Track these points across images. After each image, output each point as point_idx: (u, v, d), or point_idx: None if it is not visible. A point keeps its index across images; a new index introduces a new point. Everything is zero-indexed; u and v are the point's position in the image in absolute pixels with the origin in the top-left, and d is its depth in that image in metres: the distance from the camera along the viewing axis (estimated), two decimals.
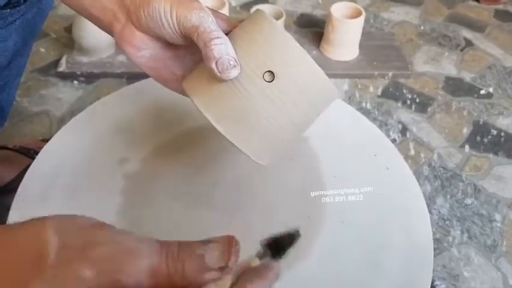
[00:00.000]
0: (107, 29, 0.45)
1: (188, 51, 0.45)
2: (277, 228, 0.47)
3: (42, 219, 0.26)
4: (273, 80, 0.38)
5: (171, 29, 0.40)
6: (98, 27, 0.46)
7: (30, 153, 0.76)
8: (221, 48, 0.38)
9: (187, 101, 0.43)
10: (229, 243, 0.29)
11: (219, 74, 0.38)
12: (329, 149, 0.55)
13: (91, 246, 0.26)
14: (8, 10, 0.53)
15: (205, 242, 0.28)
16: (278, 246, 0.33)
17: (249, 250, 0.46)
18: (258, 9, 0.41)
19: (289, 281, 0.44)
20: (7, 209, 0.49)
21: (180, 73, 0.46)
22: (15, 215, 0.49)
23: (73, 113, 0.95)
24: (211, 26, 0.39)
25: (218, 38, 0.38)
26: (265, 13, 0.40)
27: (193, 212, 0.50)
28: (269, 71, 0.38)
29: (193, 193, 0.52)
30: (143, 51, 0.44)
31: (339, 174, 0.53)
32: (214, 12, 0.43)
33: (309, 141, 0.56)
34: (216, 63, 0.38)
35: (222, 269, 0.27)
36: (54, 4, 0.65)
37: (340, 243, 0.47)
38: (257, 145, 0.40)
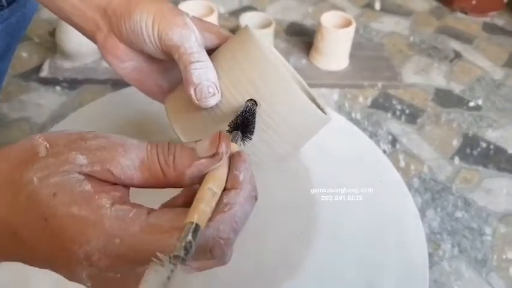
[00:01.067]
0: (90, 37, 0.42)
1: (174, 64, 0.42)
2: (269, 243, 0.45)
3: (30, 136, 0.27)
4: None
5: (153, 45, 0.38)
6: (82, 34, 0.43)
7: None
8: (200, 73, 0.35)
9: None
10: (218, 135, 0.28)
11: (196, 102, 0.36)
12: (321, 162, 0.54)
13: (81, 140, 0.26)
14: None
15: (195, 141, 0.28)
16: (244, 123, 0.33)
17: (242, 263, 0.44)
18: (246, 27, 0.38)
19: None
20: None
21: (166, 85, 0.44)
22: None
23: (54, 120, 0.91)
24: (192, 47, 0.36)
25: (198, 61, 0.35)
26: (254, 33, 0.37)
27: None
28: (252, 99, 0.35)
29: None
30: (127, 62, 0.41)
31: (332, 188, 0.51)
32: (204, 23, 0.40)
33: (301, 154, 0.54)
34: (195, 89, 0.35)
35: (213, 156, 0.27)
36: (38, 8, 0.62)
37: (333, 261, 0.45)
38: None
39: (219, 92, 0.36)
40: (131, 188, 0.28)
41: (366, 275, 0.44)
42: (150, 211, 0.25)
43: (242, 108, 0.35)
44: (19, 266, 0.44)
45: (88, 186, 0.24)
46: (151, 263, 0.21)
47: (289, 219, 0.47)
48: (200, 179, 0.27)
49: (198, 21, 0.40)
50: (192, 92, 0.36)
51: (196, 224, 0.23)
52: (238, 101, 0.36)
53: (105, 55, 0.41)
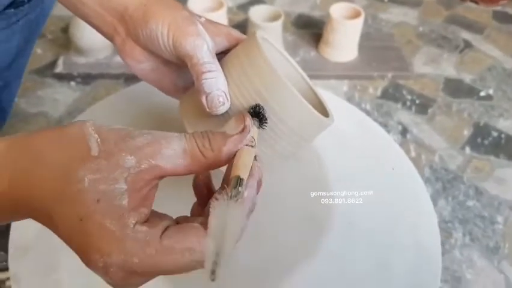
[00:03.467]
0: (109, 38, 0.44)
1: None
2: (284, 228, 0.47)
3: (81, 121, 0.29)
4: None
5: (167, 51, 0.40)
6: (101, 35, 0.45)
7: None
8: (211, 83, 0.38)
9: None
10: (242, 114, 0.33)
11: (207, 109, 0.38)
12: (333, 150, 0.55)
13: (128, 138, 0.28)
14: (12, 10, 0.53)
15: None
16: (259, 114, 0.37)
17: (257, 249, 0.45)
18: (254, 35, 0.40)
19: (296, 278, 0.43)
20: None
21: (181, 84, 0.46)
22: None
23: (70, 114, 0.94)
24: (204, 57, 0.38)
25: (209, 71, 0.38)
26: (260, 44, 0.39)
27: None
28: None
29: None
30: (144, 64, 0.43)
31: (345, 175, 0.52)
32: (215, 27, 0.42)
33: (314, 143, 0.55)
34: (206, 97, 0.38)
35: (242, 131, 0.31)
36: (54, 4, 0.64)
37: (347, 243, 0.46)
38: None
39: (228, 101, 0.38)
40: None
41: (380, 259, 0.46)
42: (164, 230, 0.28)
43: (253, 105, 0.38)
44: (50, 250, 0.45)
45: (125, 201, 0.27)
46: (212, 201, 0.27)
47: (304, 204, 0.49)
48: (234, 153, 0.31)
49: (210, 25, 0.42)
50: (203, 100, 0.38)
51: (241, 178, 0.29)
52: (245, 108, 0.39)
53: (123, 57, 0.43)
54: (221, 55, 0.42)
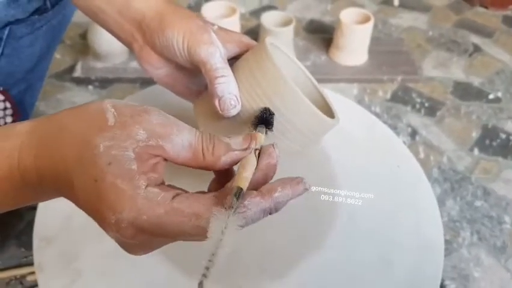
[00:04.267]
0: (127, 45, 0.48)
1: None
2: (289, 222, 0.49)
3: (99, 100, 0.32)
4: None
5: (183, 58, 0.43)
6: (121, 42, 0.48)
7: None
8: (224, 88, 0.40)
9: None
10: (250, 135, 0.34)
11: (220, 112, 0.41)
12: (340, 148, 0.57)
13: (144, 113, 0.31)
14: (36, 16, 0.56)
15: (228, 136, 0.34)
16: (267, 120, 0.39)
17: (263, 241, 0.47)
18: (263, 40, 0.43)
19: (299, 271, 0.45)
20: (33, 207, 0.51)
21: (194, 87, 0.49)
22: (41, 212, 0.52)
23: None
24: (217, 63, 0.41)
25: (222, 76, 0.41)
26: (269, 51, 0.41)
27: None
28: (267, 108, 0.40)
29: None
30: (160, 69, 0.47)
31: (352, 174, 0.54)
32: (227, 34, 0.45)
33: (324, 143, 0.58)
34: (219, 100, 0.41)
35: (245, 150, 0.33)
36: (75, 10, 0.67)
37: (351, 238, 0.48)
38: None
39: (239, 103, 0.41)
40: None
41: (382, 254, 0.47)
42: (175, 196, 0.29)
43: (262, 109, 0.40)
44: (70, 241, 0.48)
45: (134, 166, 0.29)
46: (211, 216, 0.28)
47: (309, 200, 0.51)
48: (229, 165, 0.33)
49: (222, 32, 0.45)
50: (216, 103, 0.41)
51: (241, 188, 0.30)
52: (254, 110, 0.41)
53: (141, 63, 0.47)
54: (232, 60, 0.45)
